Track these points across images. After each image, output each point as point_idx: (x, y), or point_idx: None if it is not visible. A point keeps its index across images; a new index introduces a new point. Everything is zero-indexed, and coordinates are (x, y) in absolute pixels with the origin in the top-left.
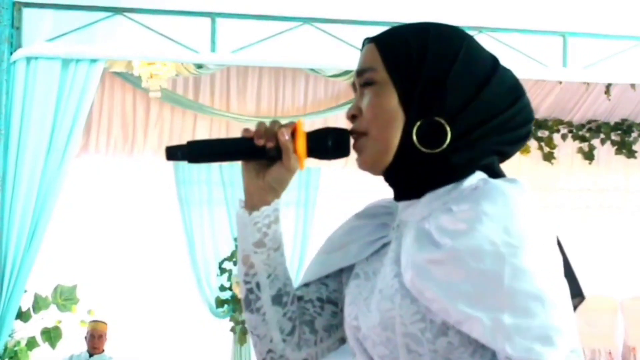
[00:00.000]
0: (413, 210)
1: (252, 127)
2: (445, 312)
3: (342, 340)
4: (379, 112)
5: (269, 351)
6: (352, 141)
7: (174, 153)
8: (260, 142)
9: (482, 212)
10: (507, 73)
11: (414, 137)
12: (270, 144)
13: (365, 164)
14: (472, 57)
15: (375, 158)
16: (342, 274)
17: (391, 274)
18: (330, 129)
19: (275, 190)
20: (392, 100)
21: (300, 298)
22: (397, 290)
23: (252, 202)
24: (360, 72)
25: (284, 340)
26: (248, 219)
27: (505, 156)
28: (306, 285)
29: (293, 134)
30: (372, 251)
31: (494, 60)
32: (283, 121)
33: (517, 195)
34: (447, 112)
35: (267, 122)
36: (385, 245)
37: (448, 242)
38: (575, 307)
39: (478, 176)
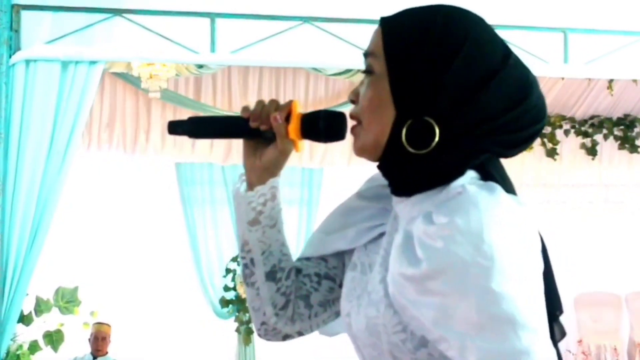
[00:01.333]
0: (404, 208)
1: (252, 106)
2: (423, 330)
3: (337, 314)
4: (371, 104)
5: (263, 323)
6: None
7: (175, 128)
8: (255, 124)
9: (456, 229)
10: (516, 71)
11: (403, 136)
12: (264, 127)
13: (358, 152)
14: (477, 54)
15: (365, 148)
16: (343, 253)
17: (378, 276)
18: (325, 112)
19: (270, 171)
20: (385, 94)
21: (298, 271)
22: (382, 298)
23: (250, 181)
24: (365, 55)
25: (276, 315)
26: (242, 198)
27: (505, 156)
28: (307, 259)
29: (288, 116)
30: (369, 238)
31: (503, 55)
32: None
33: (492, 207)
34: (439, 113)
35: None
36: (381, 234)
37: (425, 261)
38: (557, 337)
39: (467, 177)
